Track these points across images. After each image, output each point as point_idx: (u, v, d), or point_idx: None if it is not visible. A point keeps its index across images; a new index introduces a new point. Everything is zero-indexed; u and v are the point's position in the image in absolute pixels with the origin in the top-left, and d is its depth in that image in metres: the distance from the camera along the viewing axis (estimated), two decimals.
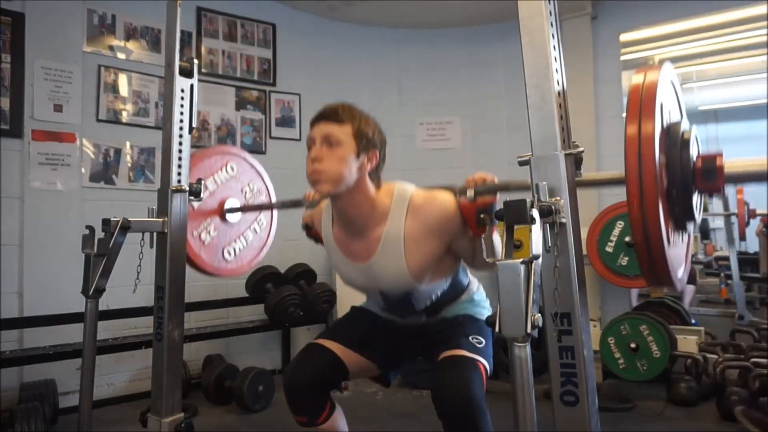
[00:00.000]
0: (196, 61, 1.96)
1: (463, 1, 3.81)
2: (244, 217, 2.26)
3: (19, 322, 2.83)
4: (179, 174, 1.91)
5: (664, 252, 1.06)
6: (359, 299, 1.84)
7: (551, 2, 1.23)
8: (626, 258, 2.96)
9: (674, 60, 4.57)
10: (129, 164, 3.29)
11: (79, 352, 2.57)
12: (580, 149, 1.21)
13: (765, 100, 4.73)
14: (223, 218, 2.18)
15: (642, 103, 1.07)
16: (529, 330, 1.00)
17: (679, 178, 1.11)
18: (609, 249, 3.02)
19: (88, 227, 1.74)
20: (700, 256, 5.98)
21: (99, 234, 1.73)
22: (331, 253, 1.65)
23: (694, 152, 1.15)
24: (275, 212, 2.39)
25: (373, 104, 4.19)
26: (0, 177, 2.84)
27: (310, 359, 1.59)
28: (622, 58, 3.79)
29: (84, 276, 1.72)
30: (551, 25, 1.22)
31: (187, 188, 1.92)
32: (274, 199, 2.36)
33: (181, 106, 1.92)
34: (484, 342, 1.55)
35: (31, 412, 2.41)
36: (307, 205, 1.83)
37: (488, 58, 4.23)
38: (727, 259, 5.09)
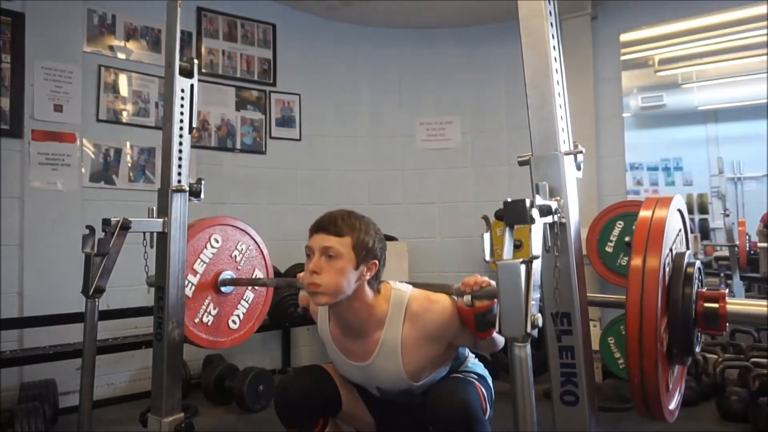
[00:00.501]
0: (196, 61, 1.97)
1: (463, 1, 3.81)
2: (236, 294, 2.24)
3: (19, 322, 2.83)
4: (179, 174, 1.91)
5: (659, 394, 1.07)
6: None
7: (551, 2, 1.23)
8: (626, 258, 2.96)
9: (674, 60, 4.58)
10: (129, 164, 3.29)
11: (79, 352, 2.56)
12: (580, 149, 1.21)
13: (765, 100, 4.74)
14: (218, 292, 2.16)
15: (649, 239, 1.11)
16: (529, 330, 1.00)
17: (680, 317, 1.12)
18: (609, 249, 3.02)
19: (88, 227, 1.74)
20: (700, 256, 5.99)
21: (99, 234, 1.74)
22: (327, 347, 1.62)
23: (696, 288, 1.15)
24: (269, 262, 2.36)
25: (373, 104, 4.20)
26: (0, 177, 2.84)
27: (307, 374, 1.59)
28: (622, 58, 3.79)
29: (84, 276, 1.72)
30: (551, 25, 1.22)
31: (187, 188, 1.93)
32: (265, 251, 2.34)
33: (181, 106, 1.92)
34: (477, 376, 1.60)
35: (32, 412, 2.41)
36: (304, 288, 1.79)
37: (488, 58, 4.22)
38: (727, 259, 5.09)
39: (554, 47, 1.22)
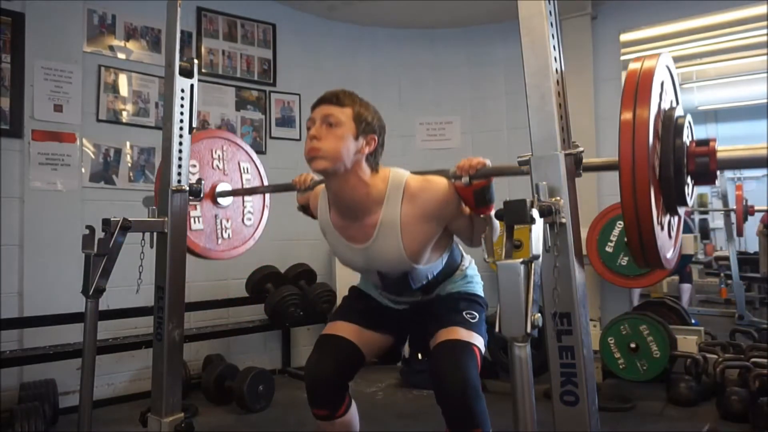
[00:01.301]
0: (196, 61, 1.97)
1: (463, 1, 3.81)
2: (236, 199, 2.30)
3: (19, 322, 2.83)
4: (179, 174, 1.91)
5: (654, 235, 1.09)
6: None
7: (551, 2, 1.23)
8: (626, 258, 2.96)
9: (674, 60, 4.57)
10: (129, 164, 3.29)
11: (79, 352, 2.57)
12: (580, 149, 1.22)
13: (765, 100, 4.74)
14: (215, 202, 2.21)
15: (638, 89, 1.09)
16: (529, 330, 1.00)
17: (672, 163, 1.13)
18: (609, 249, 3.02)
19: (89, 227, 1.74)
20: (700, 256, 5.99)
21: (99, 234, 1.74)
22: (329, 236, 1.65)
23: (687, 138, 1.17)
24: (267, 196, 2.43)
25: (373, 104, 4.19)
26: (0, 177, 2.84)
27: (330, 352, 1.61)
28: (622, 58, 3.79)
29: (84, 276, 1.72)
30: (551, 25, 1.22)
31: (187, 188, 1.93)
32: (265, 179, 2.41)
33: (181, 106, 1.92)
34: (477, 317, 1.60)
35: (32, 412, 2.41)
36: (299, 189, 1.84)
37: (488, 58, 4.22)
38: (727, 259, 5.09)
39: (554, 47, 1.22)
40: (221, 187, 2.22)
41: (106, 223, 1.74)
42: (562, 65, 1.25)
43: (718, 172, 1.17)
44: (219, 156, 2.24)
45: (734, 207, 4.52)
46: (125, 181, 3.27)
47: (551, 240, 1.14)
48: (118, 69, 3.28)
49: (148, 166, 3.35)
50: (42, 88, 2.98)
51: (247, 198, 2.34)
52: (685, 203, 1.18)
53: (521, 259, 1.02)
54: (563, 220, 1.15)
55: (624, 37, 3.80)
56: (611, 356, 2.97)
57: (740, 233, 4.60)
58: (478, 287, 1.73)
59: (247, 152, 2.38)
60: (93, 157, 3.17)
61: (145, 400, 2.99)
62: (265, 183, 2.43)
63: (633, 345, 2.90)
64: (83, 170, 3.12)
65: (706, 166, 1.15)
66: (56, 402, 2.71)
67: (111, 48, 3.27)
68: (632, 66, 1.16)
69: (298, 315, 3.36)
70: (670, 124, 1.15)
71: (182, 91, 1.93)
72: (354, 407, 1.66)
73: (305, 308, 3.42)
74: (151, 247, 1.88)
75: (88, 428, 1.76)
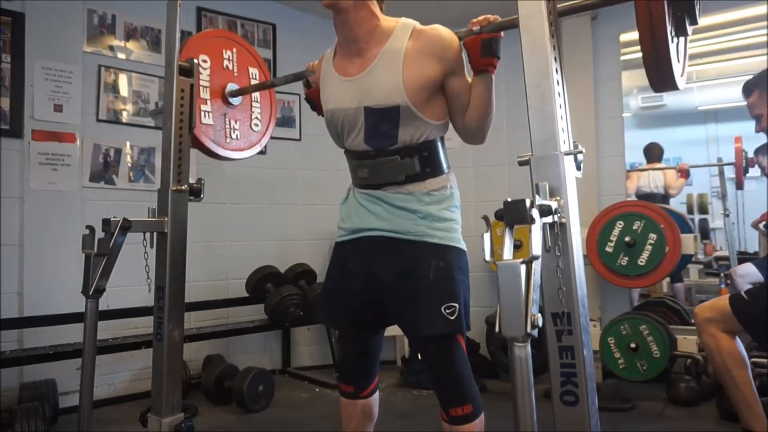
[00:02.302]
0: (196, 61, 1.97)
1: (463, 1, 3.80)
2: (245, 100, 2.34)
3: (19, 322, 2.83)
4: (179, 174, 1.91)
5: (668, 48, 1.17)
6: None
7: (551, 2, 1.24)
8: (626, 258, 2.96)
9: None
10: (129, 164, 3.29)
11: (79, 352, 2.57)
12: (580, 149, 1.22)
13: None
14: (225, 101, 2.24)
15: None
16: (529, 330, 1.00)
17: None
18: (609, 249, 3.02)
19: (89, 227, 1.74)
20: (700, 256, 5.98)
21: (99, 234, 1.74)
22: (326, 85, 1.61)
23: None
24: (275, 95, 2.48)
25: None
26: (0, 177, 2.84)
27: (353, 335, 1.68)
28: (622, 58, 3.79)
29: (84, 276, 1.72)
30: (551, 25, 1.22)
31: (187, 188, 1.93)
32: (256, 55, 2.44)
33: (181, 106, 1.92)
34: (456, 308, 1.45)
35: (32, 412, 2.41)
36: (311, 74, 1.85)
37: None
38: (727, 259, 5.08)
39: (554, 47, 1.22)
40: (231, 87, 2.25)
41: (106, 223, 1.74)
42: (562, 65, 1.25)
43: None
44: (229, 57, 2.27)
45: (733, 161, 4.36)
46: (125, 181, 3.27)
47: (551, 240, 1.14)
48: (118, 69, 3.28)
49: (148, 166, 3.35)
50: (42, 88, 2.98)
51: (255, 104, 2.38)
52: (695, 20, 1.25)
53: (521, 259, 1.02)
54: (563, 220, 1.15)
55: (624, 37, 3.79)
56: (611, 356, 2.97)
57: (740, 187, 4.47)
58: (457, 232, 1.55)
59: (255, 58, 2.40)
60: (93, 157, 3.17)
61: (145, 400, 2.99)
62: (273, 98, 2.49)
63: (633, 345, 2.90)
64: (83, 170, 3.12)
65: None
66: (56, 402, 2.72)
67: (111, 48, 3.27)
68: None
69: (298, 315, 3.36)
70: None
71: (182, 91, 1.93)
72: (377, 396, 1.70)
73: (305, 308, 3.42)
74: (151, 247, 1.88)
75: (88, 428, 1.76)
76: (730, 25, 3.83)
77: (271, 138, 3.89)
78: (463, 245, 1.56)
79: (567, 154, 1.19)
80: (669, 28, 1.16)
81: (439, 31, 1.52)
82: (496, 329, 1.04)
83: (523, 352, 1.03)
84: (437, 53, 1.48)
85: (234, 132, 2.27)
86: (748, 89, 2.44)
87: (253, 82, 2.34)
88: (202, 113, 2.13)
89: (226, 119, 2.25)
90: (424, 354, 1.60)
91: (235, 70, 2.29)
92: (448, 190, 1.55)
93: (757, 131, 2.48)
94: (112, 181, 3.23)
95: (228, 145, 2.25)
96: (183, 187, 1.91)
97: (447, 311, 1.45)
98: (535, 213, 1.06)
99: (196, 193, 1.96)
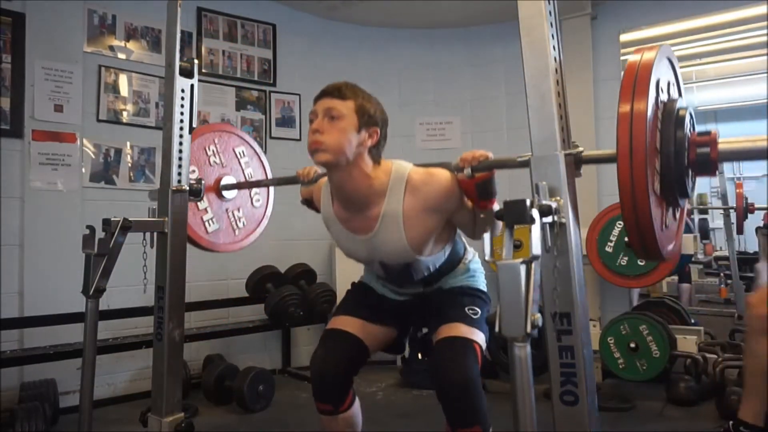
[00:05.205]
0: (196, 61, 1.97)
1: (463, 1, 3.81)
2: (241, 192, 2.35)
3: (19, 322, 2.83)
4: (179, 174, 1.92)
5: (653, 233, 1.08)
6: None
7: (551, 2, 1.24)
8: (626, 258, 2.96)
9: None
10: (129, 164, 3.29)
11: (79, 352, 2.56)
12: (580, 149, 1.22)
13: (765, 100, 4.73)
14: (221, 197, 2.24)
15: (636, 80, 1.09)
16: (529, 330, 1.00)
17: (673, 152, 1.13)
18: (609, 249, 3.02)
19: (89, 227, 1.74)
20: (700, 256, 5.98)
21: (99, 234, 1.74)
22: (332, 229, 1.67)
23: (688, 130, 1.16)
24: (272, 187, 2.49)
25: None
26: (0, 177, 2.84)
27: (335, 347, 1.62)
28: (622, 58, 3.79)
29: (84, 276, 1.73)
30: (551, 25, 1.22)
31: (187, 188, 1.93)
32: (268, 169, 2.47)
33: (182, 106, 1.93)
34: (479, 312, 1.60)
35: (32, 412, 2.41)
36: (303, 182, 1.87)
37: (488, 58, 4.22)
38: (727, 259, 5.09)
39: (554, 47, 1.22)
40: (225, 181, 2.25)
41: (106, 223, 1.74)
42: (562, 65, 1.25)
43: (719, 165, 1.17)
44: (213, 151, 2.26)
45: (734, 205, 4.52)
46: (125, 181, 3.27)
47: (551, 240, 1.14)
48: (119, 69, 3.28)
49: (149, 166, 3.35)
50: (42, 88, 2.98)
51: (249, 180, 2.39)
52: (686, 194, 1.18)
53: (521, 259, 1.02)
54: (563, 220, 1.15)
55: (624, 37, 3.80)
56: (611, 356, 2.97)
57: (740, 231, 4.60)
58: (480, 281, 1.73)
59: (238, 136, 2.40)
60: (93, 157, 3.17)
61: (145, 400, 2.99)
62: (263, 158, 2.47)
63: (633, 345, 2.90)
64: (83, 170, 3.12)
65: (707, 155, 1.14)
66: (56, 402, 2.71)
67: (111, 48, 3.27)
68: (632, 58, 1.16)
69: (298, 315, 3.36)
70: (670, 115, 1.15)
71: (182, 91, 1.93)
72: (357, 404, 1.68)
73: (305, 308, 3.42)
74: (152, 247, 1.88)
75: (88, 428, 1.76)
76: (730, 25, 3.83)
77: (271, 138, 3.92)
78: (487, 294, 1.71)
79: (567, 154, 1.19)
80: (655, 204, 1.08)
81: (434, 183, 1.49)
82: (496, 329, 1.04)
83: (523, 352, 1.03)
84: (436, 207, 1.50)
85: (240, 221, 2.30)
86: None
87: (243, 160, 2.36)
88: (206, 223, 2.16)
89: (229, 213, 2.26)
90: (437, 353, 1.52)
91: (223, 161, 2.29)
92: (465, 265, 1.73)
93: None
94: (113, 181, 3.23)
95: (239, 237, 2.29)
96: (183, 187, 1.91)
97: (470, 311, 1.59)
98: (535, 213, 1.06)
99: (196, 193, 1.96)
